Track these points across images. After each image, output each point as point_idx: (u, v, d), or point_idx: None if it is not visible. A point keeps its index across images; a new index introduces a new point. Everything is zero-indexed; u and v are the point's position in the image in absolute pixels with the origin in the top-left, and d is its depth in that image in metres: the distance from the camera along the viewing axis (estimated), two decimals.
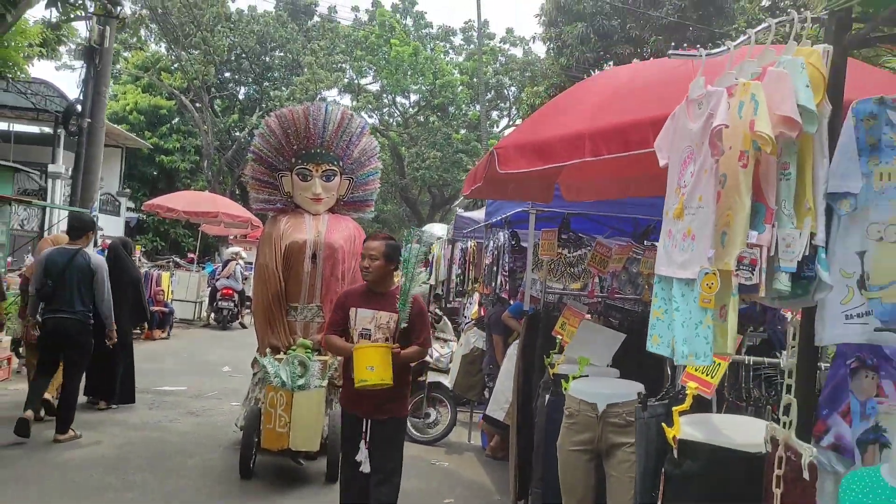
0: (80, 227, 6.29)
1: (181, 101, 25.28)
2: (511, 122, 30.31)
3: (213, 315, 15.84)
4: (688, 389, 2.27)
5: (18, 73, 10.43)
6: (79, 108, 11.36)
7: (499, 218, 6.34)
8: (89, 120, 11.23)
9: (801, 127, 1.61)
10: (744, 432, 2.11)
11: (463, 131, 29.66)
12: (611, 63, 17.75)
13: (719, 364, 2.19)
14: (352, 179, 6.62)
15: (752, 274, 1.65)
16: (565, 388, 3.31)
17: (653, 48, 15.96)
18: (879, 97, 1.77)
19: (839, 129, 1.77)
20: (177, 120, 26.60)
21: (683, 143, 1.87)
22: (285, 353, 5.55)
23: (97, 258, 6.41)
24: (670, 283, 1.86)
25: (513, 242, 6.50)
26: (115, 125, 21.76)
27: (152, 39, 26.44)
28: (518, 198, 4.98)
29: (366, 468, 4.02)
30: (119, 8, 8.30)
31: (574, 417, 3.27)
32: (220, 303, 15.54)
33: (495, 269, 5.98)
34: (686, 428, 2.17)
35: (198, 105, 25.86)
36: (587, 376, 3.50)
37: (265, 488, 5.30)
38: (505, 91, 31.18)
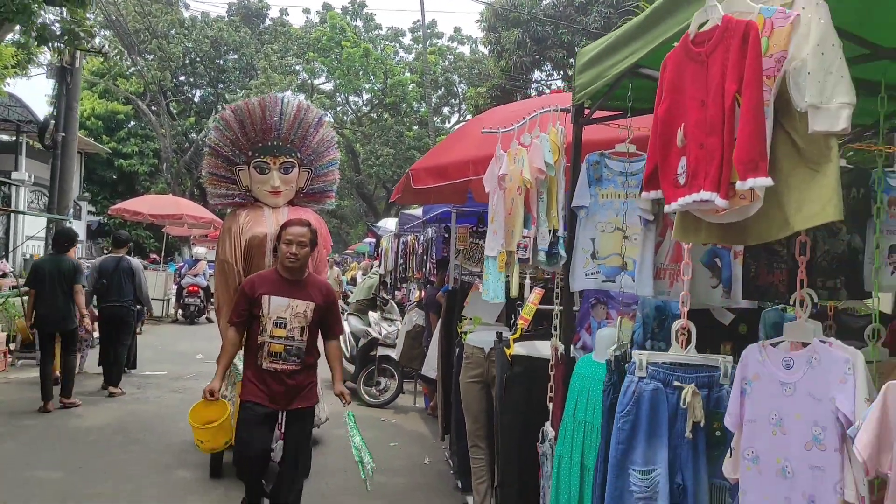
0: (68, 241, 7.73)
1: (138, 106, 26.13)
2: (461, 118, 31.71)
3: (180, 311, 16.96)
4: (519, 325, 3.70)
5: None
6: (52, 123, 12.45)
7: (431, 216, 7.76)
8: (63, 134, 12.33)
9: (546, 173, 3.03)
10: (546, 348, 3.55)
11: (416, 128, 30.99)
12: (547, 65, 19.30)
13: (532, 307, 3.62)
14: (310, 171, 6.59)
15: (525, 252, 3.08)
16: (463, 339, 4.73)
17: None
18: (600, 152, 3.20)
19: (578, 171, 3.20)
20: (134, 124, 27.46)
21: (494, 179, 3.29)
22: None
23: (136, 262, 8.72)
24: (489, 259, 3.28)
25: (446, 235, 7.93)
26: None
27: (107, 46, 27.16)
28: (439, 202, 6.41)
29: (277, 457, 4.17)
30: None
31: (470, 359, 4.68)
32: (186, 299, 16.69)
33: (425, 257, 7.37)
34: (517, 348, 3.60)
35: (154, 109, 26.73)
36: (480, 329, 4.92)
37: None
38: (454, 88, 32.59)
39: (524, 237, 3.08)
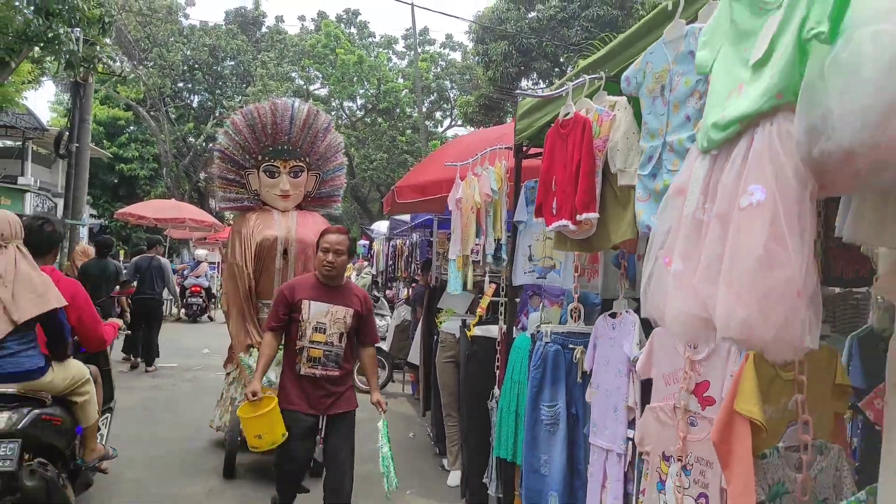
0: (107, 248, 9.37)
1: (138, 112, 27.14)
2: (453, 122, 32.73)
3: (183, 310, 17.97)
4: (477, 313, 4.75)
5: (14, 108, 12.45)
6: (66, 134, 13.47)
7: (417, 222, 8.81)
8: (77, 144, 13.34)
9: (492, 196, 4.08)
10: (497, 330, 4.59)
11: (409, 132, 32.05)
12: (533, 75, 20.37)
13: (487, 298, 4.67)
14: (318, 175, 6.66)
15: (477, 255, 4.13)
16: (439, 325, 5.78)
17: (567, 62, 18.61)
18: (535, 179, 4.25)
19: (519, 194, 4.25)
20: (134, 129, 28.47)
21: (453, 202, 4.36)
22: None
23: (165, 261, 10.51)
24: (450, 261, 4.34)
25: (430, 239, 8.98)
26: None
27: (107, 57, 28.15)
28: (424, 211, 7.45)
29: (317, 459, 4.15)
30: (119, 66, 10.50)
31: (444, 343, 5.72)
32: (189, 299, 17.69)
33: (411, 259, 8.41)
34: (476, 331, 4.65)
35: (154, 115, 27.73)
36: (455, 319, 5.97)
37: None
38: (446, 93, 33.67)
39: (476, 244, 4.13)
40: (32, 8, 8.60)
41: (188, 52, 27.56)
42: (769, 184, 1.08)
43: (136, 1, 23.50)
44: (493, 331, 4.59)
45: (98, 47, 9.13)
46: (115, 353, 10.47)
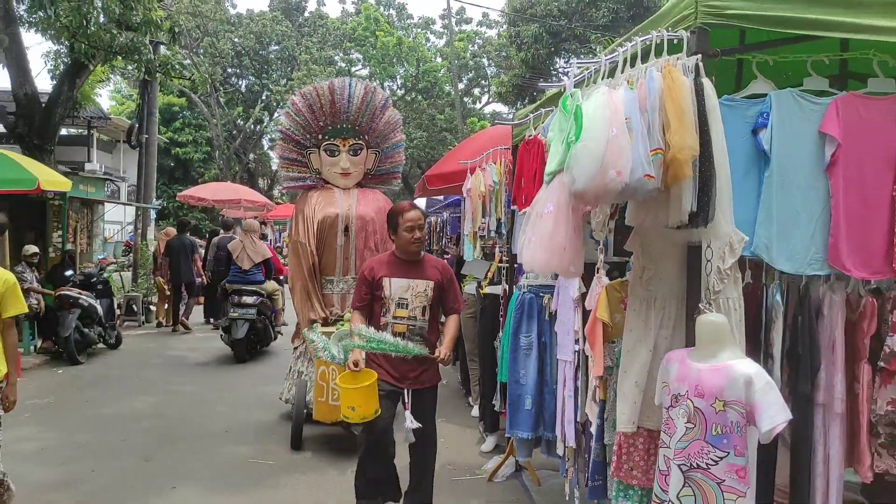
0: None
1: (191, 98, 28.95)
2: (490, 99, 33.83)
3: None
4: (488, 276, 6.15)
5: (90, 104, 14.14)
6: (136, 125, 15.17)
7: (448, 201, 10.21)
8: (146, 136, 15.03)
9: (494, 186, 5.44)
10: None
11: (448, 109, 33.30)
12: (564, 55, 21.44)
13: (496, 265, 6.05)
14: (378, 153, 6.81)
15: (483, 231, 5.52)
16: (462, 288, 7.19)
17: (594, 43, 19.63)
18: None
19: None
20: (187, 115, 30.36)
21: (465, 191, 5.74)
22: (324, 326, 5.96)
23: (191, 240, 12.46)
24: (465, 235, 5.75)
25: (458, 217, 10.37)
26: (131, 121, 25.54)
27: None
28: (448, 194, 8.83)
29: (411, 437, 4.08)
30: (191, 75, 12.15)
31: (467, 301, 7.12)
32: None
33: (441, 234, 9.81)
34: (487, 289, 6.05)
35: (206, 100, 29.53)
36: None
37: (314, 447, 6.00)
38: (484, 70, 34.74)
39: (483, 223, 5.51)
40: (115, 22, 10.15)
41: (236, 40, 29.21)
42: (555, 202, 2.43)
43: None
44: (499, 289, 5.98)
45: (170, 53, 10.67)
46: (197, 317, 12.43)
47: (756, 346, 2.71)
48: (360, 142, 6.68)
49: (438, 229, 10.20)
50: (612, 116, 2.29)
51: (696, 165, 2.26)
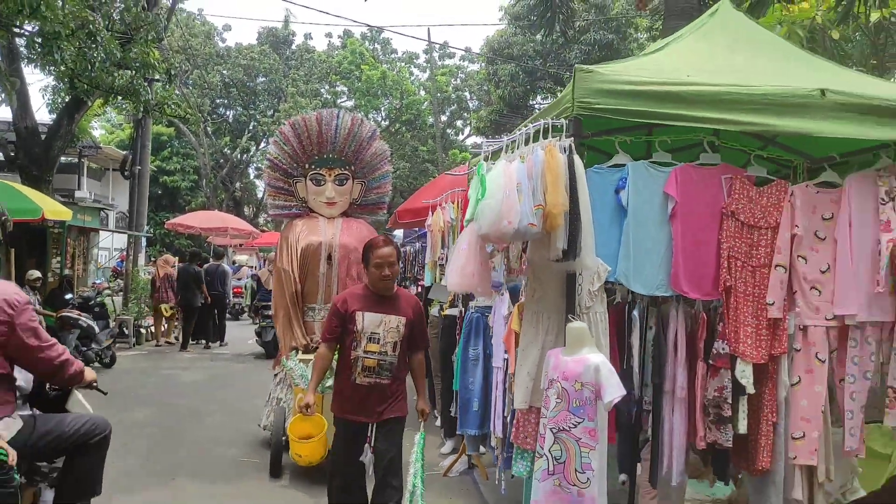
0: (194, 256, 12.01)
1: (179, 128, 29.91)
2: (471, 132, 35.05)
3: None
4: (448, 300, 7.10)
5: (87, 137, 15.06)
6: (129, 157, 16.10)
7: (422, 231, 11.18)
8: (139, 167, 15.97)
9: (451, 222, 6.42)
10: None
11: (430, 141, 34.47)
12: (537, 95, 22.64)
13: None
14: (364, 183, 6.96)
15: (442, 261, 6.49)
16: (428, 312, 8.14)
17: (568, 80, 20.81)
18: None
19: None
20: (175, 144, 31.29)
21: (427, 227, 6.73)
22: (305, 353, 6.11)
23: (227, 267, 14.73)
24: (426, 264, 6.70)
25: None
26: (122, 151, 26.40)
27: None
28: (419, 227, 9.81)
29: (369, 470, 4.16)
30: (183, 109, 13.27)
31: (431, 323, 7.98)
32: (232, 299, 20.34)
33: (414, 262, 10.76)
34: (447, 311, 7.00)
35: (193, 130, 30.50)
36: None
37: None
38: (465, 103, 36.01)
39: (442, 253, 6.49)
40: (116, 64, 11.11)
41: (224, 72, 30.32)
42: (467, 242, 3.41)
43: (178, 28, 26.16)
44: (456, 311, 6.93)
45: (166, 93, 11.65)
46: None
47: (622, 348, 3.69)
48: (346, 172, 6.85)
49: (412, 258, 11.14)
50: (506, 182, 3.28)
51: (567, 217, 3.24)
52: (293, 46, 34.29)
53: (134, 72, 11.20)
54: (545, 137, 3.47)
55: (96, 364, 10.87)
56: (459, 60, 35.80)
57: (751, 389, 3.53)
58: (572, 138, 3.40)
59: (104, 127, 33.44)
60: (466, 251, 3.46)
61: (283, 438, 5.85)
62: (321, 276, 6.50)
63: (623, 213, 3.59)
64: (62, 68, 10.47)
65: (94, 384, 3.83)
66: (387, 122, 36.11)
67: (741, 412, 3.57)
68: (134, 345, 13.79)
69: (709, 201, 3.62)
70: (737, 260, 3.60)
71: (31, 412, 3.68)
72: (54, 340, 3.54)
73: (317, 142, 6.79)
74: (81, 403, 4.12)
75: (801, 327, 3.60)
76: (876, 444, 4.62)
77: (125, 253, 19.42)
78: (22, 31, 10.10)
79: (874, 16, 9.11)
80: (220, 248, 15.06)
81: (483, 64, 22.84)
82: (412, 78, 35.11)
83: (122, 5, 11.79)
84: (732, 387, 3.55)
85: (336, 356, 4.39)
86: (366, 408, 4.18)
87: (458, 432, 5.76)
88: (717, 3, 4.65)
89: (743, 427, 3.57)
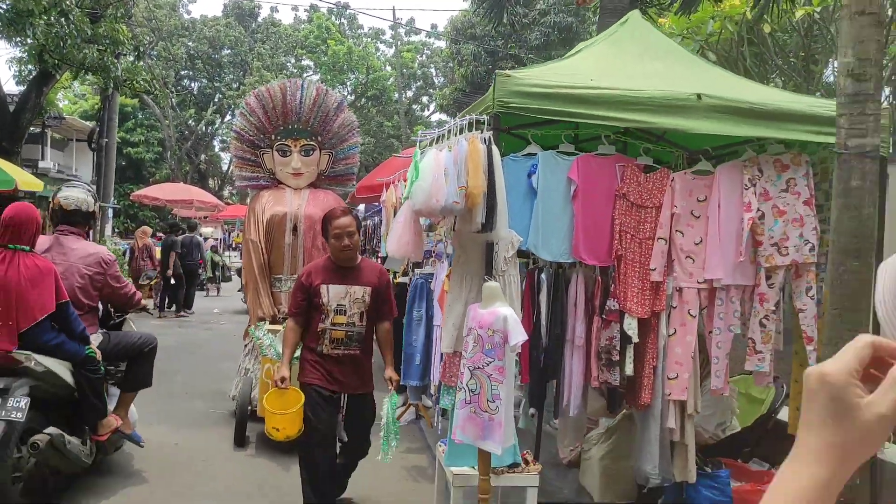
0: (174, 227, 12.54)
1: (143, 100, 30.04)
2: (436, 108, 35.64)
3: None
4: (402, 269, 7.86)
5: (54, 109, 15.40)
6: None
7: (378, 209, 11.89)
8: (106, 140, 16.37)
9: (402, 199, 7.16)
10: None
11: (396, 117, 35.01)
12: None
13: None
14: (331, 154, 6.92)
15: None
16: None
17: (528, 63, 21.54)
18: None
19: None
20: (140, 116, 31.42)
21: (383, 200, 7.46)
22: (272, 324, 6.16)
23: (199, 239, 15.39)
24: (382, 236, 7.44)
25: None
26: (86, 122, 26.56)
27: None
28: (376, 202, 10.53)
29: (341, 438, 4.36)
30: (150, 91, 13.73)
31: None
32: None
33: (373, 235, 11.48)
34: (400, 279, 7.74)
35: (160, 104, 30.66)
36: None
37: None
38: (432, 79, 36.58)
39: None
40: (87, 41, 11.56)
41: (190, 44, 30.46)
42: (404, 216, 4.14)
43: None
44: (407, 279, 7.69)
45: (134, 69, 12.12)
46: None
47: (533, 304, 4.48)
48: (313, 143, 6.82)
49: (371, 231, 11.84)
50: (436, 167, 4.02)
51: (485, 196, 4.00)
52: (259, 19, 34.43)
53: (103, 48, 11.65)
54: (471, 130, 4.22)
55: None
56: (425, 37, 36.34)
57: (635, 339, 4.35)
58: (491, 132, 4.15)
59: (67, 97, 33.34)
60: (402, 223, 4.21)
61: (249, 408, 5.97)
62: (286, 246, 6.58)
63: (533, 194, 4.36)
64: (33, 43, 10.91)
65: (147, 308, 5.55)
66: (353, 97, 36.53)
67: (628, 358, 4.39)
68: None
69: (604, 185, 4.40)
70: (626, 233, 4.40)
71: (104, 331, 5.06)
72: (127, 280, 5.29)
73: (282, 112, 6.79)
74: (131, 325, 5.53)
75: (678, 289, 4.42)
76: (754, 391, 5.54)
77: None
78: None
79: (799, 12, 9.95)
80: (193, 221, 15.71)
81: (448, 42, 23.40)
82: (378, 53, 35.58)
83: None
84: (621, 337, 4.37)
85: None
86: (337, 379, 4.28)
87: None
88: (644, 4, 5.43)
89: (629, 370, 4.39)
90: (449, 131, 4.40)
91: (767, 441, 5.08)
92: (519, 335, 3.88)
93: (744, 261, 4.38)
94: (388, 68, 34.82)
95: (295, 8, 48.78)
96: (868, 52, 3.97)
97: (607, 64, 4.76)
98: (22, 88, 14.94)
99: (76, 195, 5.01)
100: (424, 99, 37.90)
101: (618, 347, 4.38)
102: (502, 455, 4.01)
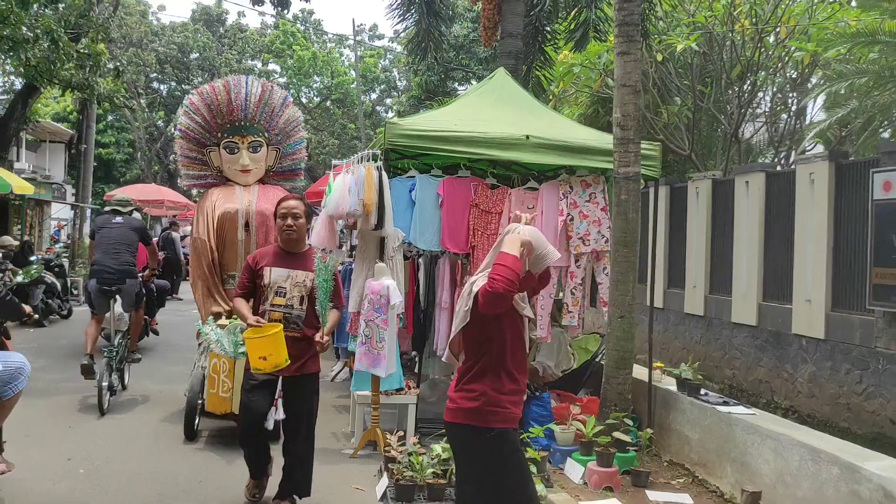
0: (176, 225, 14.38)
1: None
2: (394, 115, 37.68)
3: None
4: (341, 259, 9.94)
5: (39, 119, 17.16)
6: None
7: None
8: (84, 146, 18.20)
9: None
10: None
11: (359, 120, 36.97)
12: (455, 83, 25.43)
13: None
14: (279, 150, 6.99)
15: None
16: None
17: (476, 74, 23.68)
18: None
19: None
20: (111, 117, 33.06)
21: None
22: (227, 320, 6.13)
23: (176, 235, 16.70)
24: None
25: None
26: (58, 124, 28.15)
27: None
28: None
29: (270, 426, 4.51)
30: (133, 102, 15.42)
31: None
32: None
33: None
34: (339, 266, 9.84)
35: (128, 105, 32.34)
36: None
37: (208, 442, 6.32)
38: (395, 82, 38.59)
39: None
40: (72, 63, 13.42)
41: (159, 49, 32.19)
42: (323, 217, 6.21)
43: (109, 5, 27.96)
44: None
45: (114, 87, 14.01)
46: None
47: (415, 280, 6.59)
48: (260, 139, 6.87)
49: None
50: (342, 185, 6.10)
51: (376, 205, 6.07)
52: (227, 24, 36.20)
53: (87, 69, 13.50)
54: (369, 161, 6.31)
55: (56, 316, 13.32)
56: (388, 42, 38.33)
57: None
58: (381, 162, 6.24)
59: (40, 100, 34.85)
60: (321, 223, 6.28)
61: (199, 402, 6.09)
62: (239, 243, 6.63)
63: (413, 204, 6.47)
64: (27, 67, 12.74)
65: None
66: (318, 100, 38.47)
67: None
68: (83, 302, 16.18)
69: (463, 197, 6.53)
70: (478, 230, 6.53)
71: None
72: None
73: (227, 110, 6.81)
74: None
75: None
76: (590, 346, 7.69)
77: (61, 223, 21.69)
78: None
79: (679, 46, 12.10)
80: (175, 219, 17.36)
81: (406, 53, 25.44)
82: (342, 58, 37.46)
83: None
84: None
85: None
86: None
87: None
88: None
89: None
90: (356, 161, 6.48)
91: (591, 378, 7.23)
92: (396, 298, 5.99)
93: (559, 249, 6.53)
94: (352, 73, 36.75)
95: (262, 13, 50.33)
96: (629, 111, 6.15)
97: (470, 111, 6.88)
98: (4, 97, 16.77)
99: None
100: (388, 101, 39.90)
101: None
102: (389, 379, 6.10)
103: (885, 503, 3.93)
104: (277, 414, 4.67)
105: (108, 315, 7.47)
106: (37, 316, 11.42)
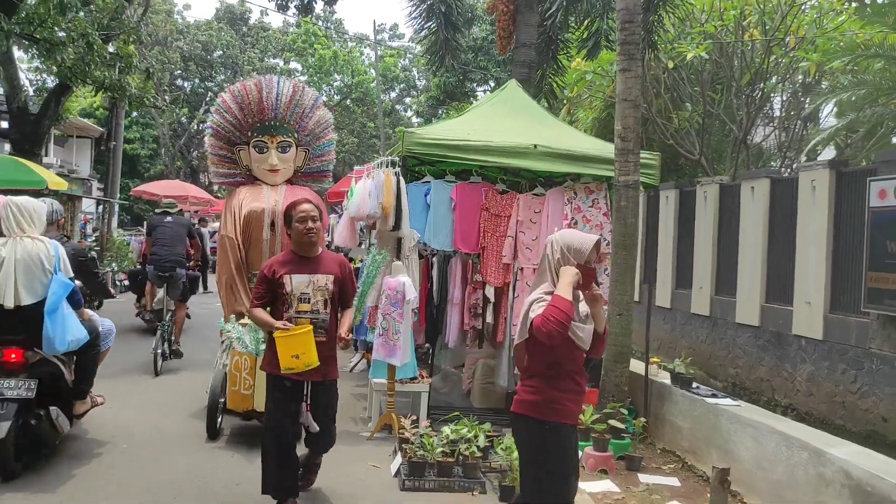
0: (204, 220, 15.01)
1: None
2: (413, 114, 38.26)
3: None
4: (358, 258, 10.49)
5: (70, 116, 17.85)
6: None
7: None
8: (113, 143, 18.91)
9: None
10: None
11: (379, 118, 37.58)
12: (473, 84, 25.94)
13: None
14: (308, 151, 7.09)
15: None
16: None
17: (494, 76, 24.18)
18: None
19: None
20: (136, 113, 33.89)
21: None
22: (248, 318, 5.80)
23: (204, 230, 16.68)
24: None
25: None
26: (85, 119, 28.93)
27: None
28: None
29: (313, 428, 4.53)
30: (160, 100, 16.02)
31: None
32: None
33: None
34: (359, 264, 10.40)
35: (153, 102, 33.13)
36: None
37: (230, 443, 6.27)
38: (414, 81, 39.14)
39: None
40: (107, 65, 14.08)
41: (184, 47, 32.98)
42: (346, 218, 6.75)
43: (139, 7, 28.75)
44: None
45: (144, 88, 14.67)
46: None
47: (428, 278, 7.13)
48: (289, 139, 6.94)
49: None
50: (364, 190, 6.66)
51: (394, 208, 6.62)
52: (250, 22, 36.95)
53: (118, 70, 14.13)
54: (388, 167, 6.85)
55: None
56: (408, 42, 38.88)
57: (493, 300, 7.02)
58: (399, 168, 6.78)
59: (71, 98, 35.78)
60: (343, 224, 6.85)
61: (221, 401, 6.10)
62: (265, 242, 6.69)
63: (428, 207, 7.01)
64: (62, 68, 13.41)
65: None
66: (338, 98, 39.10)
67: (489, 312, 7.06)
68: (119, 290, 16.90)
69: (474, 202, 7.06)
70: (488, 232, 7.06)
71: None
72: None
73: (257, 109, 6.89)
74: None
75: (521, 268, 7.07)
76: None
77: (87, 216, 22.45)
78: (35, 38, 13.02)
79: (689, 55, 12.56)
80: (202, 216, 18.01)
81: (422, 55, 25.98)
82: (362, 58, 38.08)
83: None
84: (483, 298, 7.03)
85: None
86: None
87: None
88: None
89: (490, 319, 7.05)
90: (376, 166, 7.02)
91: (591, 371, 7.71)
92: (412, 294, 6.54)
93: None
94: (372, 72, 37.36)
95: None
96: (629, 124, 6.65)
97: (482, 122, 7.41)
98: (34, 95, 17.47)
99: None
100: (407, 100, 40.48)
101: (481, 304, 7.05)
102: (404, 369, 6.65)
103: (845, 483, 4.42)
104: (307, 420, 4.65)
105: (159, 297, 9.83)
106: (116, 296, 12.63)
